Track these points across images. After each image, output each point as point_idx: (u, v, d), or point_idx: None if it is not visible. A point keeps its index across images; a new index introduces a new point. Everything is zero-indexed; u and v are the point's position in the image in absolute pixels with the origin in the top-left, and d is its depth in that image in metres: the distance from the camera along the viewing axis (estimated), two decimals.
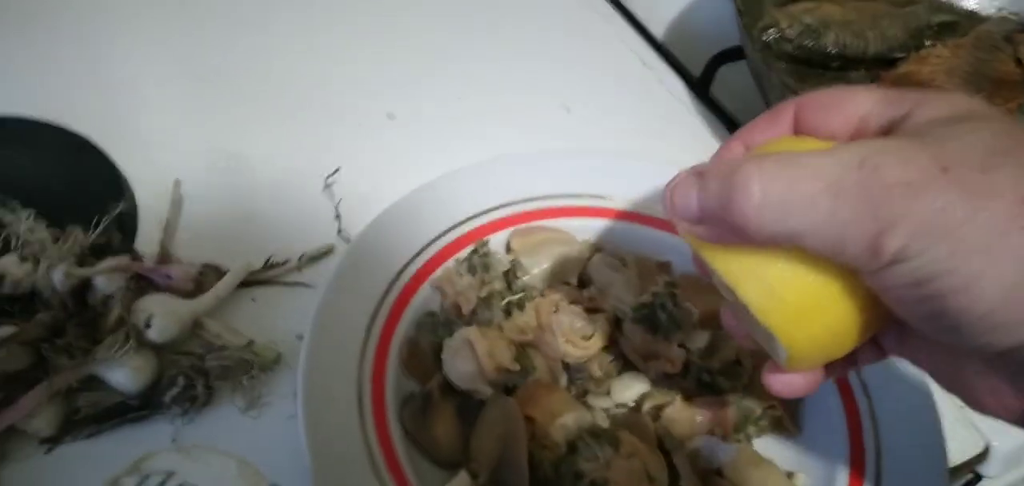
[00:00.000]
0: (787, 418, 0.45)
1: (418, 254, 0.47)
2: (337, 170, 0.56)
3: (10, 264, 0.44)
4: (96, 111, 0.57)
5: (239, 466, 0.27)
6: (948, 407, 0.44)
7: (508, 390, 0.43)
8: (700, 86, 0.70)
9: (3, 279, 0.44)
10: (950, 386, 0.31)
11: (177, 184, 0.52)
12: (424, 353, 0.44)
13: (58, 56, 0.63)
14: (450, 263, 0.48)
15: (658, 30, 0.76)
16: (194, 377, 0.43)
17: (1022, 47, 0.67)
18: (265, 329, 0.47)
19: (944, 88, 0.28)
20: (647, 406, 0.44)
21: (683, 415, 0.43)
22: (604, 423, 0.44)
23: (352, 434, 0.38)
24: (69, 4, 0.68)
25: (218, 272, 0.48)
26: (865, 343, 0.32)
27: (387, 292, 0.45)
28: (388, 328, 0.44)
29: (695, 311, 0.45)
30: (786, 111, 0.33)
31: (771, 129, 0.33)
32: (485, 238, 0.49)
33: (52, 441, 0.41)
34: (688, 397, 0.44)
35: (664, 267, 0.50)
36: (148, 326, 0.42)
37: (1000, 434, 0.48)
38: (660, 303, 0.45)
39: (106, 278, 0.44)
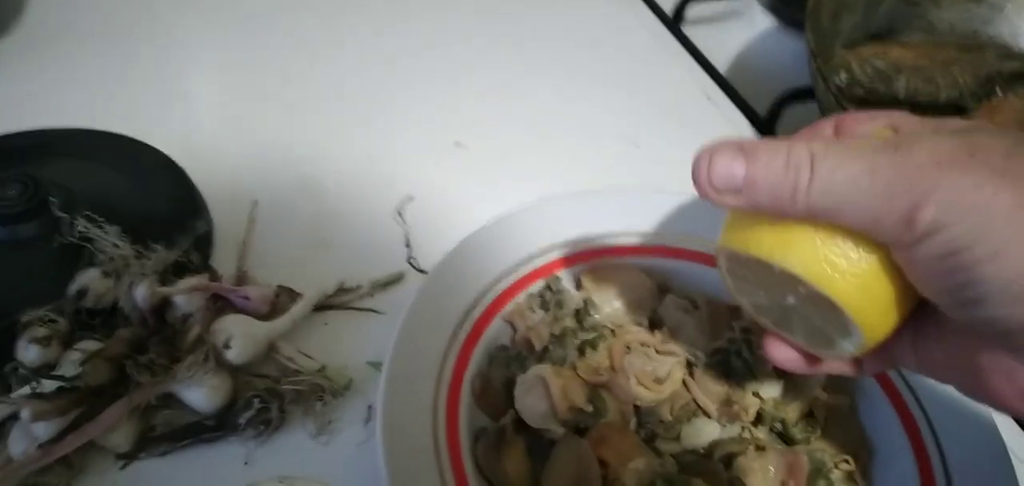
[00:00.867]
0: (858, 474, 0.44)
1: (491, 287, 0.47)
2: (410, 198, 0.56)
3: (94, 278, 0.45)
4: (178, 131, 0.58)
5: None
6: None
7: (579, 430, 0.43)
8: (766, 125, 0.70)
9: (86, 293, 0.45)
10: (963, 381, 0.33)
11: (254, 205, 0.53)
12: (496, 388, 0.44)
13: (145, 76, 0.65)
14: (521, 297, 0.48)
15: (723, 67, 0.76)
16: (269, 400, 0.43)
17: None
18: (335, 353, 0.47)
19: None
20: (718, 454, 0.43)
21: (755, 465, 0.42)
22: (673, 469, 0.43)
23: (428, 468, 0.38)
24: (159, 28, 0.70)
25: (292, 294, 0.49)
26: (874, 350, 0.34)
27: (461, 324, 0.45)
28: (461, 361, 0.44)
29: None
30: (825, 126, 0.35)
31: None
32: (557, 274, 0.49)
33: (127, 457, 0.42)
34: (760, 447, 0.43)
35: (735, 311, 0.50)
36: (227, 347, 0.43)
37: None
38: (735, 349, 0.45)
39: (186, 297, 0.45)
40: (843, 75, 0.66)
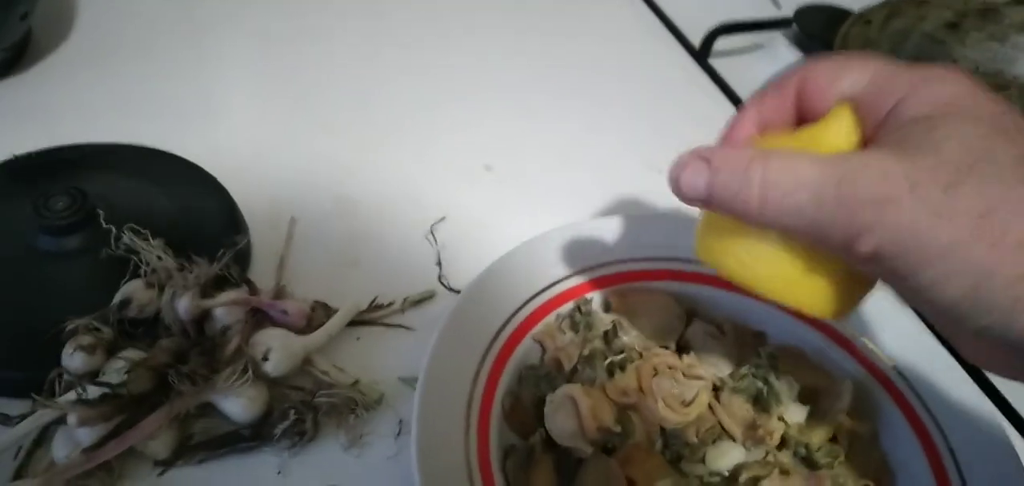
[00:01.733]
0: None
1: (521, 307, 0.48)
2: (442, 218, 0.57)
3: (137, 289, 0.47)
4: (218, 149, 0.60)
5: None
6: None
7: (607, 450, 0.44)
8: None
9: (130, 303, 0.46)
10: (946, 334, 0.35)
11: (292, 221, 0.55)
12: (525, 407, 0.45)
13: (187, 94, 0.67)
14: (551, 318, 0.49)
15: (744, 93, 0.77)
16: (304, 412, 0.44)
17: None
18: (368, 368, 0.48)
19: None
20: (743, 477, 0.44)
21: None
22: None
23: (460, 483, 0.39)
24: (201, 47, 0.73)
25: (327, 309, 0.50)
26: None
27: (492, 343, 0.46)
28: (492, 379, 0.45)
29: (796, 385, 0.45)
30: (790, 83, 0.37)
31: (778, 100, 0.37)
32: (586, 296, 0.50)
33: (166, 464, 0.43)
34: (784, 471, 0.44)
35: (759, 337, 0.50)
36: (265, 359, 0.44)
37: None
38: (761, 374, 0.45)
39: (226, 309, 0.46)
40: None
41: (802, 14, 0.85)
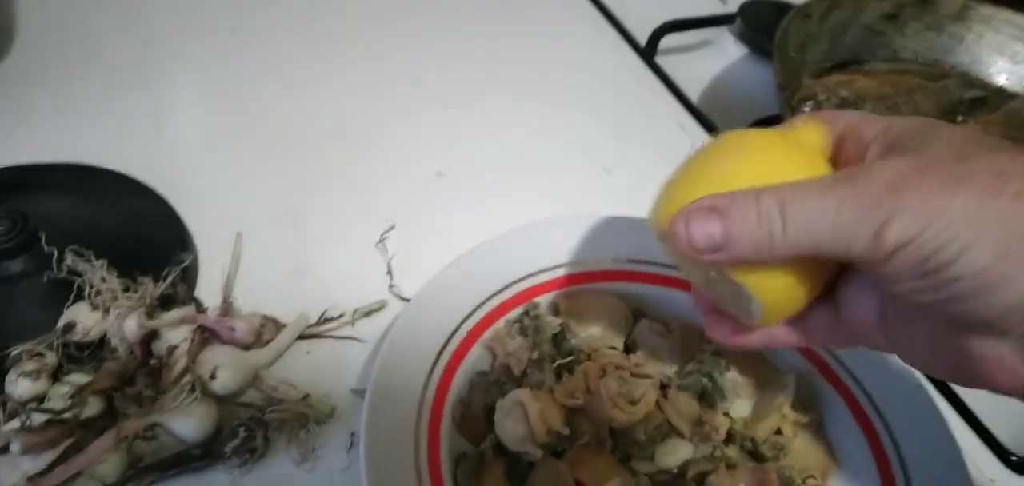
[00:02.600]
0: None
1: (470, 315, 0.48)
2: (392, 227, 0.58)
3: (81, 312, 0.46)
4: (161, 164, 0.59)
5: None
6: None
7: (556, 453, 0.44)
8: None
9: (74, 327, 0.46)
10: (953, 371, 0.34)
11: (239, 237, 0.54)
12: (476, 414, 0.45)
13: (129, 110, 0.66)
14: (500, 324, 0.49)
15: (695, 96, 0.78)
16: (254, 428, 0.44)
17: None
18: (318, 382, 0.48)
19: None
20: (691, 472, 0.45)
21: (726, 482, 0.44)
22: None
23: None
24: (143, 63, 0.71)
25: (276, 324, 0.50)
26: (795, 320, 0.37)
27: (441, 351, 0.46)
28: (442, 387, 0.45)
29: (740, 379, 0.46)
30: None
31: None
32: (535, 300, 0.50)
33: None
34: (731, 465, 0.45)
35: (705, 334, 0.51)
36: (213, 378, 0.44)
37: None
38: (706, 371, 0.46)
39: (172, 329, 0.46)
40: (809, 104, 0.68)
41: (746, 10, 0.87)
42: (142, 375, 0.44)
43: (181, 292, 0.49)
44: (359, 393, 0.48)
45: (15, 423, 0.41)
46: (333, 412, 0.47)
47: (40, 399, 0.43)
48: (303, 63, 0.74)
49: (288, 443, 0.45)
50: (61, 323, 0.46)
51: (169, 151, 0.62)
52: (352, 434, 0.47)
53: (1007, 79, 0.76)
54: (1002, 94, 0.75)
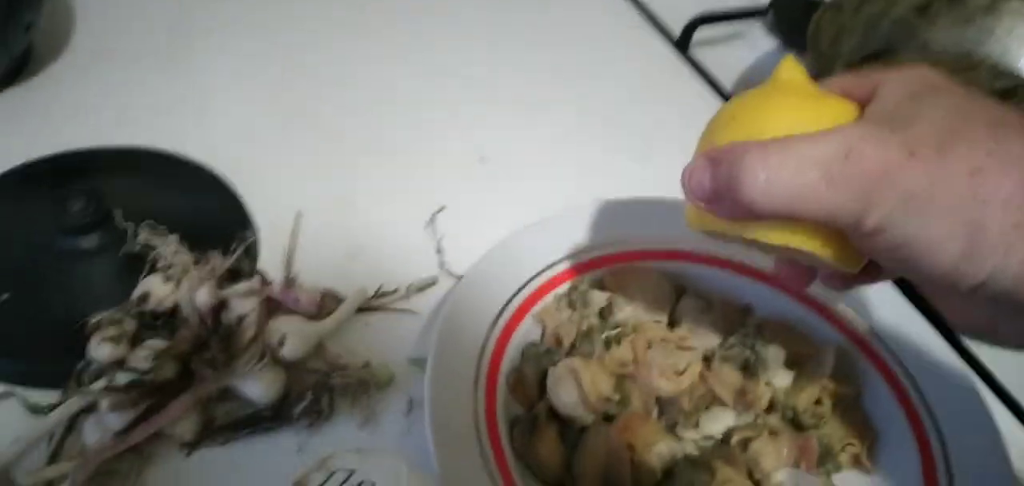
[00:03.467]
0: (864, 454, 0.48)
1: (521, 289, 0.51)
2: (442, 208, 0.60)
3: (155, 283, 0.49)
4: (220, 148, 0.62)
5: (409, 467, 0.31)
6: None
7: (606, 418, 0.46)
8: None
9: (148, 297, 0.48)
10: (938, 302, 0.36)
11: (298, 216, 0.57)
12: (528, 381, 0.48)
13: (187, 96, 0.69)
14: (549, 298, 0.51)
15: (729, 86, 0.80)
16: (320, 393, 0.47)
17: None
18: (377, 351, 0.51)
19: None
20: (734, 439, 0.47)
21: (769, 448, 0.46)
22: (694, 453, 0.47)
23: (471, 452, 0.42)
24: (201, 51, 0.75)
25: (336, 298, 0.52)
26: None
27: (495, 322, 0.48)
28: (497, 355, 0.47)
29: (782, 352, 0.48)
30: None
31: None
32: (582, 276, 0.52)
33: (191, 446, 0.45)
34: (773, 433, 0.47)
35: (746, 310, 0.53)
36: (281, 345, 0.47)
37: None
38: (749, 344, 0.48)
39: (241, 299, 0.48)
40: None
41: (779, 3, 0.88)
42: (216, 341, 0.46)
43: (246, 267, 0.52)
44: (415, 362, 0.50)
45: (101, 383, 0.44)
46: (392, 379, 0.49)
47: (120, 363, 0.45)
48: (355, 53, 0.77)
49: (351, 407, 0.48)
50: (136, 294, 0.48)
51: (225, 136, 0.65)
52: (410, 400, 0.49)
53: None
54: None
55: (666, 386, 0.47)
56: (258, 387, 0.46)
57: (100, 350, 0.45)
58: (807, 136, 0.32)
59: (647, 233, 0.55)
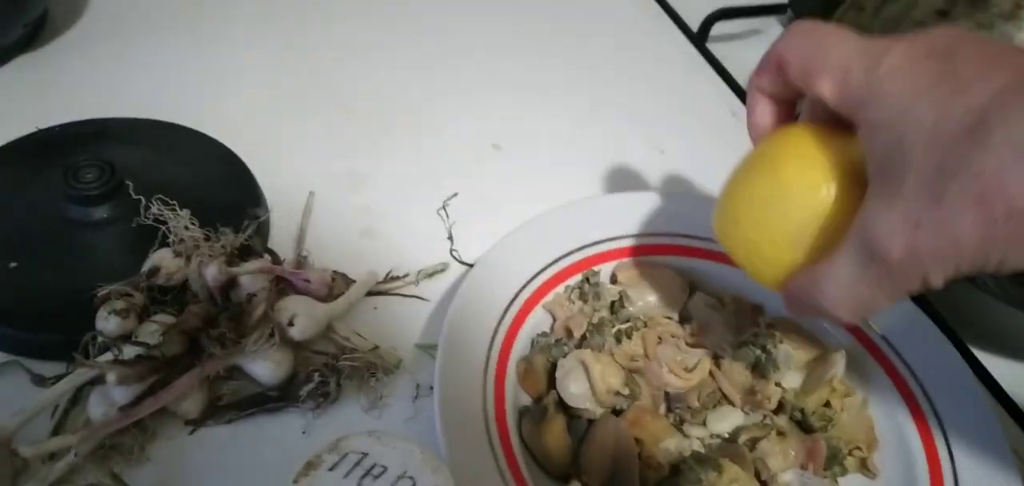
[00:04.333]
0: (870, 459, 0.48)
1: (533, 278, 0.50)
2: (455, 195, 0.60)
3: (165, 257, 0.49)
4: (234, 124, 0.62)
5: (421, 451, 0.31)
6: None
7: (615, 412, 0.46)
8: None
9: (158, 271, 0.48)
10: None
11: (311, 195, 0.57)
12: (537, 371, 0.47)
13: (203, 70, 0.69)
14: (560, 289, 0.51)
15: (741, 77, 0.79)
16: (328, 375, 0.47)
17: None
18: (385, 336, 0.50)
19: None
20: (742, 439, 0.46)
21: (776, 449, 0.46)
22: (701, 451, 0.46)
23: (479, 439, 0.42)
24: (216, 25, 0.74)
25: (346, 280, 0.52)
26: None
27: (506, 311, 0.48)
28: (507, 344, 0.47)
29: (792, 353, 0.48)
30: (772, 63, 0.41)
31: (771, 76, 0.41)
32: (594, 269, 0.52)
33: (196, 423, 0.45)
34: (781, 433, 0.47)
35: (758, 309, 0.53)
36: (291, 324, 0.46)
37: None
38: (759, 343, 0.48)
39: (251, 277, 0.48)
40: None
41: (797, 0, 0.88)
42: (225, 319, 0.46)
43: (256, 244, 0.51)
44: (423, 348, 0.50)
45: (108, 356, 0.44)
46: (400, 364, 0.49)
47: (128, 336, 0.45)
48: (372, 34, 0.76)
49: (358, 391, 0.48)
50: (146, 267, 0.48)
51: (240, 112, 0.65)
52: (417, 385, 0.49)
53: None
54: None
55: (675, 382, 0.47)
56: (266, 367, 0.46)
57: (108, 323, 0.45)
58: (829, 265, 0.35)
59: (661, 227, 0.55)
